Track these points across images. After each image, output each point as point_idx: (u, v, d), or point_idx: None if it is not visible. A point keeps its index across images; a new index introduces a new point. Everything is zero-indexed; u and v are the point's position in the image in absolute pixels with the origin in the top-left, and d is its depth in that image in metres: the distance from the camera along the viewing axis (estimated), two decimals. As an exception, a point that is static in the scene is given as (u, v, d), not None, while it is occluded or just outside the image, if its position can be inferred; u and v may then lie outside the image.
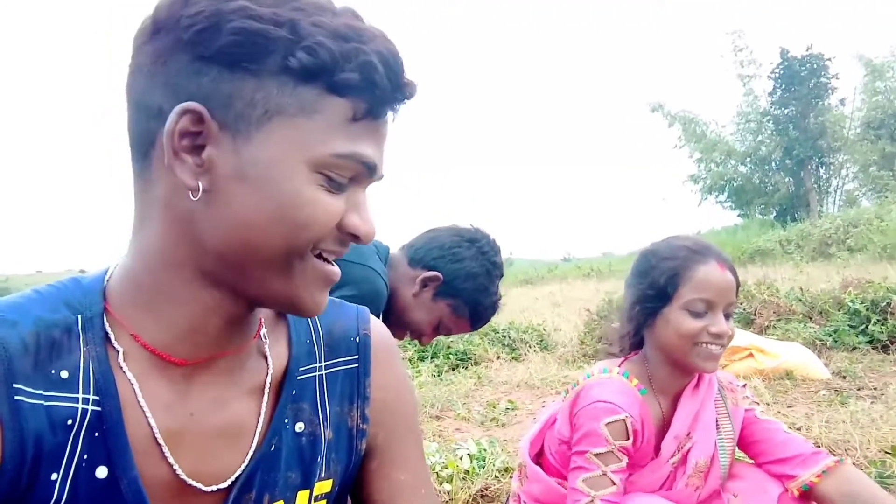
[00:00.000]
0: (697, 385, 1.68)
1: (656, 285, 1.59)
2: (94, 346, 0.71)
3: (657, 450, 1.63)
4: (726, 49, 34.43)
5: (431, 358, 6.19)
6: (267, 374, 0.81)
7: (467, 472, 2.83)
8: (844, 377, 4.58)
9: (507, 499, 1.93)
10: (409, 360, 6.22)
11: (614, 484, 1.48)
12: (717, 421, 1.67)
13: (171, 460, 0.72)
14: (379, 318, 1.48)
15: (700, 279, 1.55)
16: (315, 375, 0.86)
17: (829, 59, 26.56)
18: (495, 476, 2.84)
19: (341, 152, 0.67)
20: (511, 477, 2.93)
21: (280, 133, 0.65)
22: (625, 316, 1.71)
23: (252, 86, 0.65)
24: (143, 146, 0.69)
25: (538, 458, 1.81)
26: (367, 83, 0.66)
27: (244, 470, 0.77)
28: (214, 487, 0.75)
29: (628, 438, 1.53)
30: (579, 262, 28.45)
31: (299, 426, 0.83)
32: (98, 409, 0.69)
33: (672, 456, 1.61)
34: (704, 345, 1.54)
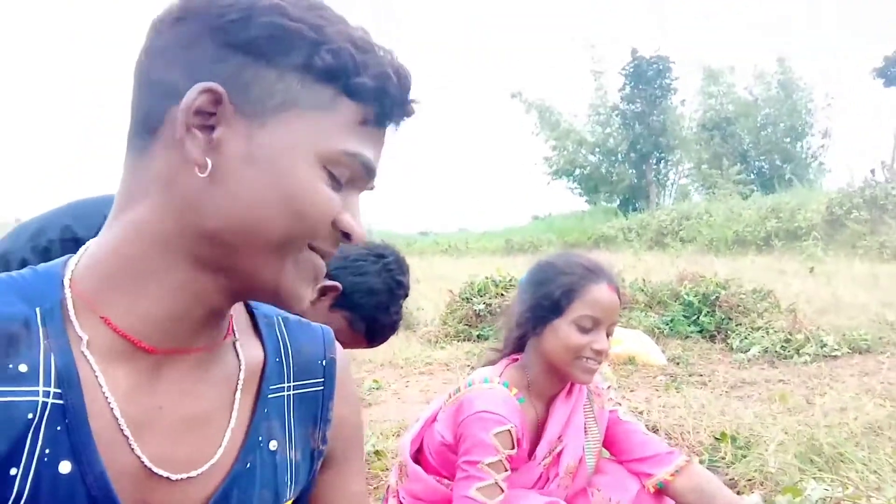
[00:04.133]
0: (570, 391, 1.81)
1: (551, 297, 1.68)
2: (56, 338, 0.68)
3: (531, 453, 1.74)
4: (581, 45, 36.32)
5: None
6: (239, 371, 0.81)
7: (377, 452, 2.87)
8: (678, 364, 5.08)
9: (386, 493, 1.98)
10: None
11: (503, 492, 1.59)
12: (585, 425, 1.82)
13: (137, 451, 0.71)
14: None
15: (592, 298, 1.66)
16: (284, 395, 0.86)
17: (673, 62, 28.82)
18: (365, 458, 2.90)
19: (350, 150, 0.70)
20: (380, 460, 3.02)
21: (294, 123, 0.68)
22: (514, 320, 1.80)
23: (273, 77, 0.68)
24: (151, 123, 0.69)
25: (417, 454, 1.87)
26: (381, 91, 0.70)
27: (220, 485, 0.77)
28: (184, 475, 0.74)
29: (514, 448, 1.63)
30: (437, 237, 28.95)
31: (273, 444, 0.83)
32: (60, 401, 0.67)
33: (544, 458, 1.74)
34: (586, 359, 1.66)
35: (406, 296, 1.86)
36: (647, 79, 28.46)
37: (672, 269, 9.48)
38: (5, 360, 0.66)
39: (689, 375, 4.71)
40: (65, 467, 0.67)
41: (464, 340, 6.18)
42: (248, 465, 0.80)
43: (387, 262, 1.80)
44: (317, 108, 0.69)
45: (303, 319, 0.95)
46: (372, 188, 0.77)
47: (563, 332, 1.66)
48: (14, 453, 0.65)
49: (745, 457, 2.69)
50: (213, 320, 0.75)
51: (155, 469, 0.72)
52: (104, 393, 0.70)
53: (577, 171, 30.70)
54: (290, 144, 0.68)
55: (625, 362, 4.94)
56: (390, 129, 0.75)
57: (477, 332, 6.23)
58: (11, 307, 0.68)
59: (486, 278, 6.89)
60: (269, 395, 0.84)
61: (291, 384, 0.88)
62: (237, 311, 0.85)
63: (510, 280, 6.71)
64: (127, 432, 0.71)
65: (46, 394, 0.67)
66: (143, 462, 0.72)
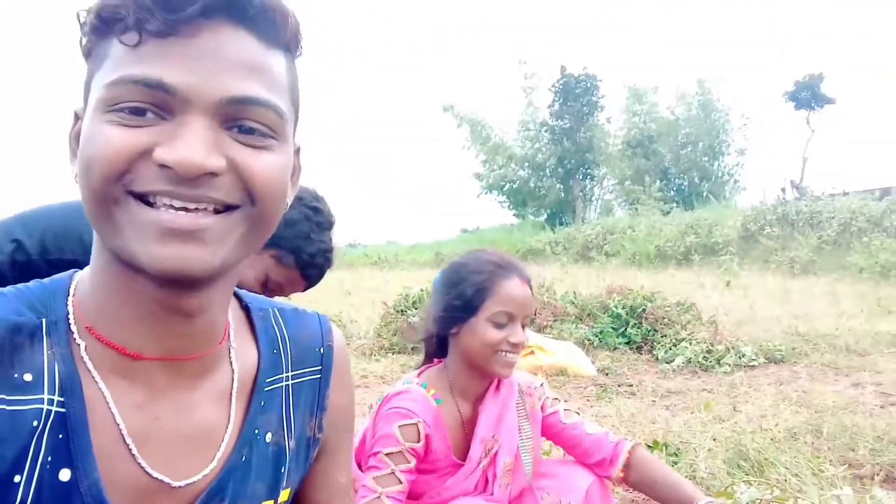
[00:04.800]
0: (497, 388, 1.84)
1: (464, 297, 1.71)
2: (60, 349, 0.70)
3: (464, 455, 1.76)
4: (512, 61, 36.91)
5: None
6: (233, 380, 0.81)
7: None
8: (608, 374, 5.22)
9: None
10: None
11: (401, 483, 1.59)
12: (518, 424, 1.84)
13: (139, 460, 0.72)
14: None
15: (504, 294, 1.69)
16: (282, 386, 0.87)
17: (600, 80, 29.77)
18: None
19: (111, 79, 0.65)
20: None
21: (91, 96, 0.68)
22: (430, 321, 1.82)
23: (89, 71, 0.70)
24: None
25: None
26: (125, 7, 0.64)
27: (215, 477, 0.77)
28: (184, 482, 0.75)
29: (419, 441, 1.65)
30: (366, 248, 28.82)
31: (269, 436, 0.84)
32: (62, 410, 0.68)
33: (480, 460, 1.75)
34: (504, 353, 1.70)
35: (328, 225, 1.87)
36: (575, 95, 29.30)
37: (598, 281, 9.75)
38: (10, 370, 0.67)
39: (619, 386, 4.84)
40: (64, 475, 0.68)
41: (399, 353, 6.16)
42: (244, 458, 0.81)
43: (298, 195, 1.81)
44: (98, 68, 0.68)
45: (298, 308, 0.95)
46: (226, 102, 0.66)
47: (479, 330, 1.69)
48: (19, 460, 0.66)
49: (676, 463, 2.79)
50: (181, 318, 0.73)
51: (156, 475, 0.73)
52: (108, 403, 0.71)
53: (507, 186, 31.20)
54: (88, 111, 0.68)
55: (557, 373, 5.04)
56: (199, 33, 0.65)
57: (412, 345, 6.23)
58: (20, 315, 0.70)
59: (421, 290, 6.90)
60: (266, 388, 0.85)
61: (289, 374, 0.88)
62: (233, 309, 0.85)
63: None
64: (129, 441, 0.72)
65: (50, 401, 0.68)
66: (144, 470, 0.72)
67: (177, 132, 0.64)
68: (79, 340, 0.71)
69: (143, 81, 0.63)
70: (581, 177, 30.60)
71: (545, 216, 30.63)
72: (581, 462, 1.86)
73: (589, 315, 6.63)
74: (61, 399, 0.68)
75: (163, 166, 0.64)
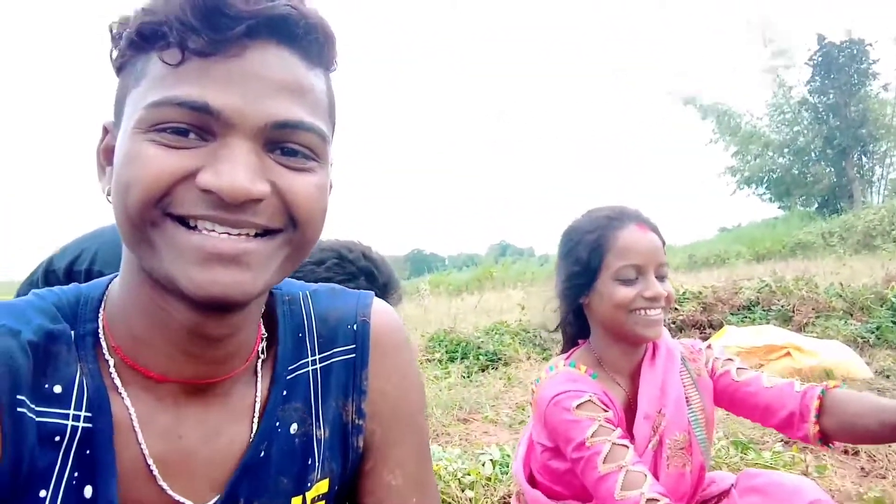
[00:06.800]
0: (654, 357, 1.60)
1: (581, 261, 1.55)
2: (88, 363, 0.70)
3: (631, 436, 1.52)
4: (755, 40, 33.67)
5: (461, 358, 6.16)
6: (256, 393, 0.78)
7: (489, 478, 2.78)
8: (888, 376, 4.43)
9: None
10: (439, 361, 6.19)
11: (627, 447, 1.38)
12: (686, 394, 1.58)
13: (160, 482, 0.71)
14: None
15: (622, 245, 1.51)
16: (308, 371, 0.82)
17: (870, 45, 25.84)
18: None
19: (153, 100, 0.62)
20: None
21: (126, 111, 0.66)
22: (558, 298, 1.65)
23: (119, 83, 0.69)
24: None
25: (531, 481, 1.71)
26: (168, 24, 0.62)
27: (228, 479, 0.75)
28: None
29: (606, 410, 1.45)
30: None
31: (294, 428, 0.79)
32: (90, 426, 0.68)
33: (650, 439, 1.51)
34: (641, 311, 1.50)
35: (385, 288, 1.68)
36: (839, 66, 25.77)
37: (881, 272, 8.38)
38: (42, 379, 0.67)
39: (903, 389, 4.07)
40: (88, 491, 0.68)
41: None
42: (262, 454, 0.76)
43: (344, 256, 1.66)
44: (135, 84, 0.66)
45: (336, 287, 0.89)
46: (272, 126, 0.64)
47: (606, 292, 1.52)
48: (44, 475, 0.66)
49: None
50: (209, 342, 0.71)
51: (178, 498, 0.72)
52: (133, 424, 0.70)
53: (766, 176, 28.38)
54: (123, 129, 0.65)
55: (820, 376, 4.38)
56: (244, 52, 0.63)
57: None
58: (56, 324, 0.70)
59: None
60: (288, 377, 0.80)
61: (317, 357, 0.83)
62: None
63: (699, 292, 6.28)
64: (150, 462, 0.71)
65: (77, 417, 0.68)
66: (166, 492, 0.71)
67: (220, 155, 0.63)
68: (108, 357, 0.71)
69: (189, 104, 0.62)
70: (856, 156, 26.79)
71: (816, 205, 27.30)
72: (766, 423, 1.53)
73: (861, 309, 5.71)
74: (89, 414, 0.68)
75: (206, 191, 0.63)
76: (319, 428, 0.81)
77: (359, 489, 0.86)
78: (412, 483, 0.86)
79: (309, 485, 0.80)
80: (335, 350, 0.84)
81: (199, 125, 0.63)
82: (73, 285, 0.77)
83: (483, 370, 6.03)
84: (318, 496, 0.81)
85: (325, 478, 0.82)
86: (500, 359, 6.25)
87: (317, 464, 0.80)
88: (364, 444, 0.85)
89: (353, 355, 0.84)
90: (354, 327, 0.85)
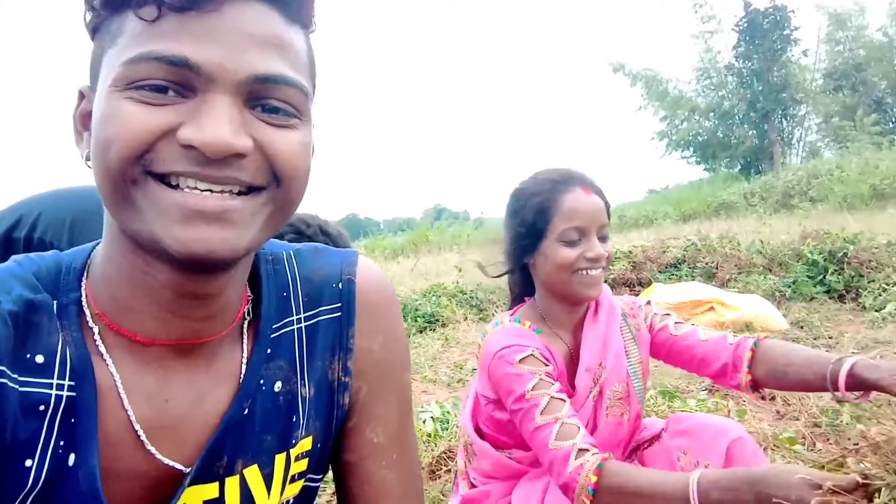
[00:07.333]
0: (596, 313, 1.67)
1: (527, 223, 1.59)
2: (71, 332, 0.69)
3: (572, 387, 1.60)
4: (685, 7, 34.24)
5: (399, 321, 6.19)
6: (242, 354, 0.78)
7: (430, 435, 2.85)
8: (802, 327, 4.70)
9: (455, 478, 1.89)
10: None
11: (565, 401, 1.45)
12: (625, 347, 1.66)
13: (149, 447, 0.71)
14: None
15: (567, 208, 1.55)
16: (293, 329, 0.81)
17: (793, 11, 26.75)
18: (458, 437, 2.86)
19: (130, 56, 0.61)
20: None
21: (102, 72, 0.65)
22: (505, 256, 1.70)
23: (98, 48, 0.67)
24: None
25: (478, 432, 1.77)
26: None
27: (212, 435, 0.74)
28: (193, 468, 0.73)
29: (548, 364, 1.51)
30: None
31: (278, 386, 0.79)
32: (73, 394, 0.67)
33: (590, 391, 1.59)
34: (583, 271, 1.55)
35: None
36: (763, 32, 26.60)
37: (798, 230, 8.82)
38: (23, 350, 0.66)
39: (815, 339, 4.35)
40: (72, 459, 0.67)
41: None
42: (246, 412, 0.76)
43: (302, 231, 1.68)
44: (112, 45, 0.64)
45: (320, 246, 0.89)
46: (249, 81, 0.63)
47: (551, 253, 1.57)
48: (29, 445, 0.65)
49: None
50: (195, 302, 0.71)
51: (167, 462, 0.72)
52: (119, 390, 0.70)
53: (693, 140, 29.19)
54: (100, 90, 0.64)
55: (742, 329, 4.61)
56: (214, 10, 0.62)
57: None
58: (37, 293, 0.69)
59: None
60: (272, 335, 0.80)
61: (302, 315, 0.83)
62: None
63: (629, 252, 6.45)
64: (137, 427, 0.70)
65: (60, 387, 0.67)
66: (154, 456, 0.71)
67: (201, 111, 0.61)
68: (91, 325, 0.70)
69: (167, 59, 0.60)
70: (777, 120, 27.83)
71: (739, 167, 28.30)
72: (702, 373, 1.63)
73: (780, 265, 6.02)
74: (72, 383, 0.67)
75: (187, 147, 0.61)
76: (304, 386, 0.81)
77: (341, 446, 0.87)
78: (394, 439, 0.87)
79: (294, 442, 0.80)
80: (321, 309, 0.84)
81: (178, 81, 0.62)
82: (52, 252, 0.75)
83: (421, 331, 6.10)
84: (302, 453, 0.82)
85: (309, 435, 0.82)
86: (437, 320, 6.33)
87: (301, 421, 0.81)
88: (350, 402, 0.85)
89: (339, 314, 0.84)
90: (340, 286, 0.85)
